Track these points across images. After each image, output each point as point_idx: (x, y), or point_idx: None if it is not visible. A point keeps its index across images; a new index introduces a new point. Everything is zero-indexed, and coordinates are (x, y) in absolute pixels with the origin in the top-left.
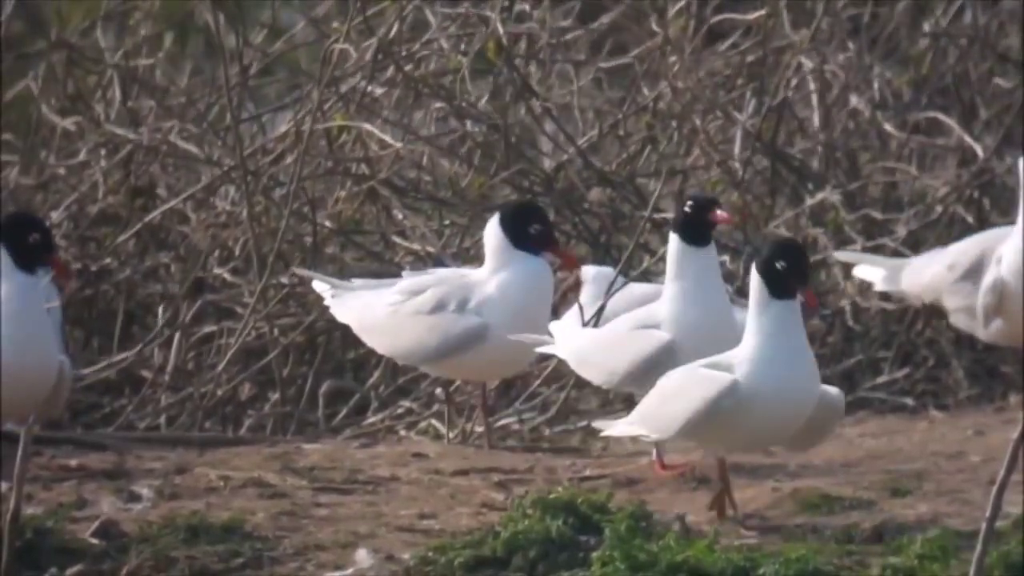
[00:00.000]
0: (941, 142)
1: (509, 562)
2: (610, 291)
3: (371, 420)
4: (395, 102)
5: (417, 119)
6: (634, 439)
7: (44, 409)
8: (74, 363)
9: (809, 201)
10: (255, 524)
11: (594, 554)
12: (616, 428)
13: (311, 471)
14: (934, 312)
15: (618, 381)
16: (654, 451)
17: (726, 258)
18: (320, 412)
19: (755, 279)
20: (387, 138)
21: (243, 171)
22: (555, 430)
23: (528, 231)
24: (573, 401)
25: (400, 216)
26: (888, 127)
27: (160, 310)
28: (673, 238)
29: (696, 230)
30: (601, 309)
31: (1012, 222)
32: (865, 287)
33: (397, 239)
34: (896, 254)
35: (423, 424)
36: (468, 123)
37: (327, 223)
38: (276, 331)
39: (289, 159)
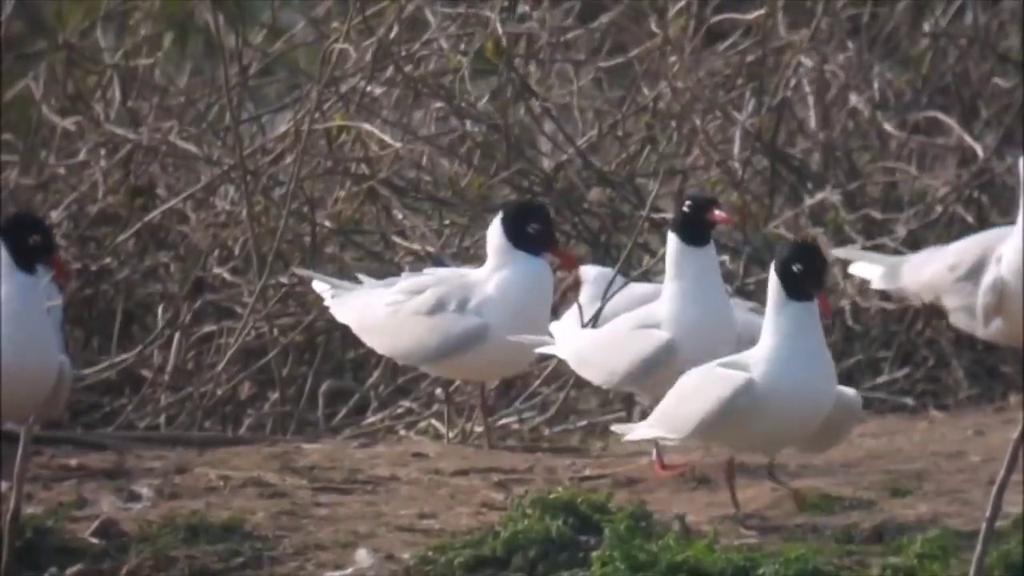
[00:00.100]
0: (941, 142)
1: (509, 562)
2: (609, 291)
3: (371, 420)
4: (395, 102)
5: (417, 119)
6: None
7: (44, 409)
8: (74, 363)
9: (809, 201)
10: (255, 524)
11: (594, 554)
12: (636, 431)
13: (311, 471)
14: (934, 312)
15: (618, 381)
16: (654, 451)
17: (726, 258)
18: (320, 412)
19: (773, 280)
20: (386, 138)
21: (243, 171)
22: (555, 430)
23: (527, 231)
24: (573, 401)
25: (400, 216)
26: (888, 127)
27: (160, 310)
28: (672, 238)
29: (695, 230)
30: (600, 309)
31: (1012, 222)
32: (864, 286)
33: (397, 239)
34: (896, 254)
35: (423, 424)
36: (468, 123)
37: (326, 223)
38: (276, 331)
39: (289, 159)
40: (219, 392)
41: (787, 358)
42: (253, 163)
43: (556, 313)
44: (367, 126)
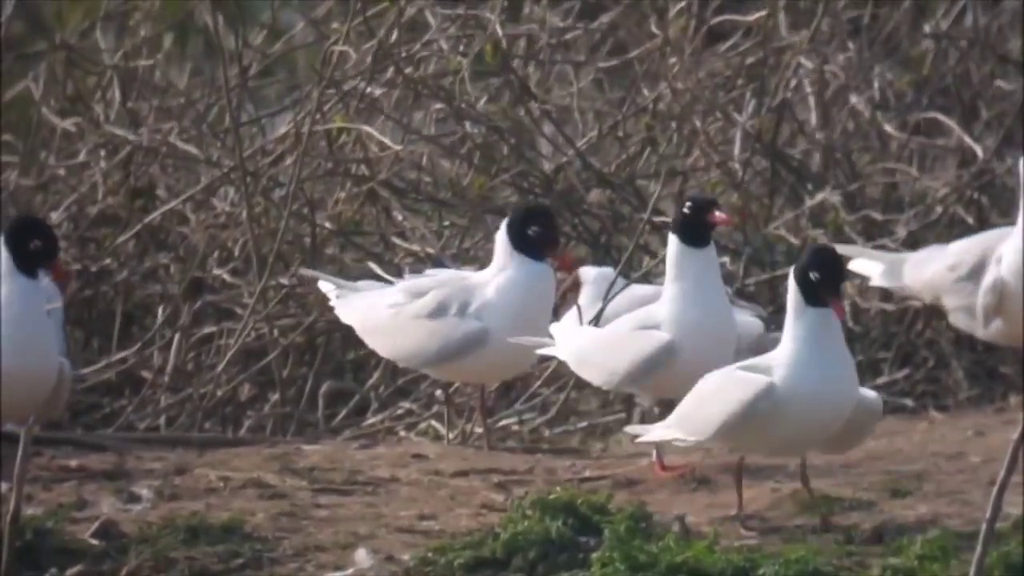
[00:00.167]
0: (941, 143)
1: (509, 563)
2: (610, 292)
3: (371, 421)
4: (395, 103)
5: (417, 120)
6: (634, 439)
7: (44, 410)
8: (74, 364)
9: (809, 202)
10: (255, 525)
11: (594, 555)
12: (652, 433)
13: (311, 472)
14: (934, 312)
15: (618, 382)
16: (654, 452)
17: (726, 259)
18: (320, 413)
19: (792, 286)
20: (386, 140)
21: (243, 172)
22: (555, 431)
23: (528, 234)
24: (573, 402)
25: (400, 217)
26: (888, 128)
27: (160, 311)
28: (672, 239)
29: (695, 231)
30: (601, 311)
31: (1012, 222)
32: (864, 287)
33: (397, 240)
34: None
35: (423, 425)
36: (467, 124)
37: (327, 224)
38: (276, 332)
39: (289, 160)
40: (219, 393)
41: (807, 361)
42: (253, 164)
43: (556, 314)
44: (367, 128)
